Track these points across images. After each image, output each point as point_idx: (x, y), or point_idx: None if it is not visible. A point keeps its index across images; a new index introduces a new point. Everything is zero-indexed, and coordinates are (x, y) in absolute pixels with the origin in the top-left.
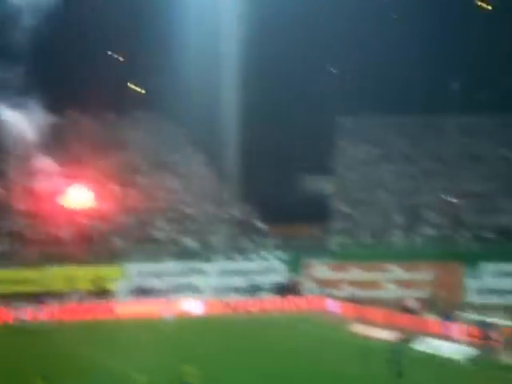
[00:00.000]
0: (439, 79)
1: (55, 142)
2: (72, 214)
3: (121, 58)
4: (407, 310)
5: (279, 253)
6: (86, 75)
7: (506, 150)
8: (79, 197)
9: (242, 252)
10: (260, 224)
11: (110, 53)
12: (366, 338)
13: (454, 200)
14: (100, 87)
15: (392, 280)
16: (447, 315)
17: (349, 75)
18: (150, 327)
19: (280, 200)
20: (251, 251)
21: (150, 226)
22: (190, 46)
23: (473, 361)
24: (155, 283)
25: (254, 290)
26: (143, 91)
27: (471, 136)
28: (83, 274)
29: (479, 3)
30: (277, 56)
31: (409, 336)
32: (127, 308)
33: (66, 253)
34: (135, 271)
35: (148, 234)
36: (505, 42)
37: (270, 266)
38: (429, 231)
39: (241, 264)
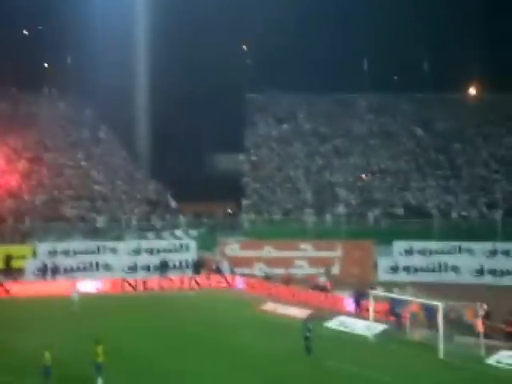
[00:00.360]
0: (351, 58)
1: None
2: None
3: (30, 35)
4: (319, 287)
5: (191, 231)
6: None
7: (416, 128)
8: None
9: (154, 230)
10: (172, 202)
11: (19, 29)
12: (278, 316)
13: (365, 178)
14: (8, 63)
15: (304, 258)
16: (358, 292)
17: (260, 53)
18: (58, 305)
19: (192, 178)
20: (163, 229)
21: (61, 204)
22: (100, 24)
23: (382, 337)
24: (66, 262)
25: (165, 268)
26: (55, 69)
27: (382, 114)
28: None
29: None
30: (186, 35)
31: (320, 313)
32: (36, 287)
33: None
34: (45, 250)
35: (58, 212)
36: (413, 21)
37: (182, 244)
38: (340, 209)
39: (153, 242)
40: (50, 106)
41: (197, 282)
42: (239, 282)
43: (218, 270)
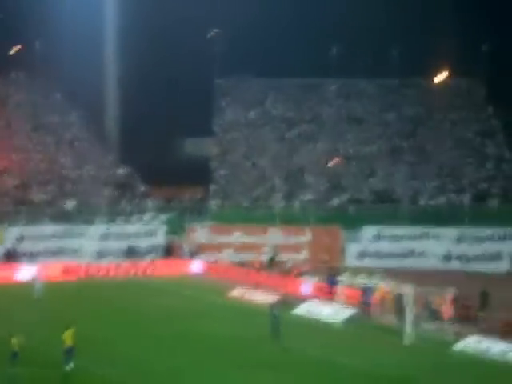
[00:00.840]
0: (319, 42)
1: None
2: None
3: None
4: (287, 273)
5: (160, 215)
6: None
7: (384, 114)
8: None
9: (123, 215)
10: (141, 186)
11: None
12: (246, 302)
13: (333, 163)
14: None
15: (272, 243)
16: (327, 278)
17: (228, 38)
18: (25, 291)
19: (161, 162)
20: (132, 214)
21: (29, 188)
22: (69, 7)
23: (350, 323)
24: (34, 246)
25: (134, 253)
26: (24, 53)
27: (350, 99)
28: None
29: None
30: (155, 21)
31: (288, 299)
32: (2, 272)
33: None
34: (13, 235)
35: (27, 196)
36: (382, 6)
37: (151, 229)
38: (308, 194)
39: (121, 227)
40: (18, 90)
41: (165, 268)
42: (207, 267)
43: (187, 256)
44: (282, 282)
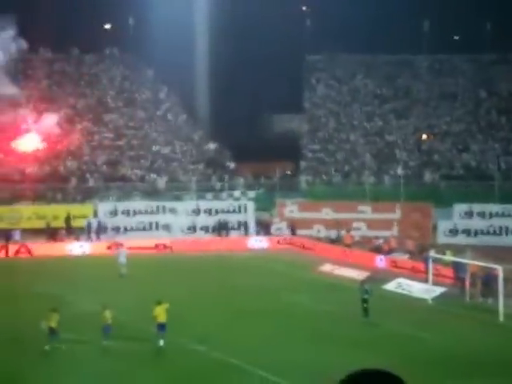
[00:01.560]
0: (410, 18)
1: (25, 79)
2: (41, 152)
3: None
4: (377, 249)
5: (249, 192)
6: (60, 12)
7: (477, 89)
8: (49, 135)
9: (213, 191)
10: (230, 163)
11: None
12: (336, 277)
13: (426, 139)
14: (71, 24)
15: (362, 220)
16: (419, 255)
17: (319, 13)
18: (114, 265)
19: (250, 139)
20: (221, 190)
21: (121, 164)
22: None
23: (441, 300)
24: (125, 221)
25: (224, 228)
26: (117, 30)
27: (443, 75)
28: (53, 212)
29: None
30: None
31: (379, 276)
32: (96, 246)
33: (36, 191)
34: (105, 210)
35: (119, 172)
36: None
37: (241, 205)
38: (399, 170)
39: (211, 203)
40: (111, 66)
41: (255, 244)
42: (298, 244)
43: (276, 231)
44: (372, 259)
